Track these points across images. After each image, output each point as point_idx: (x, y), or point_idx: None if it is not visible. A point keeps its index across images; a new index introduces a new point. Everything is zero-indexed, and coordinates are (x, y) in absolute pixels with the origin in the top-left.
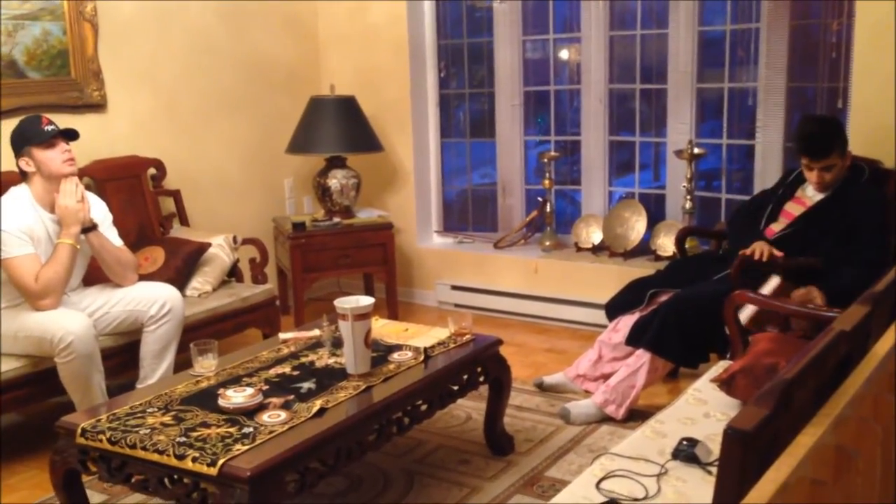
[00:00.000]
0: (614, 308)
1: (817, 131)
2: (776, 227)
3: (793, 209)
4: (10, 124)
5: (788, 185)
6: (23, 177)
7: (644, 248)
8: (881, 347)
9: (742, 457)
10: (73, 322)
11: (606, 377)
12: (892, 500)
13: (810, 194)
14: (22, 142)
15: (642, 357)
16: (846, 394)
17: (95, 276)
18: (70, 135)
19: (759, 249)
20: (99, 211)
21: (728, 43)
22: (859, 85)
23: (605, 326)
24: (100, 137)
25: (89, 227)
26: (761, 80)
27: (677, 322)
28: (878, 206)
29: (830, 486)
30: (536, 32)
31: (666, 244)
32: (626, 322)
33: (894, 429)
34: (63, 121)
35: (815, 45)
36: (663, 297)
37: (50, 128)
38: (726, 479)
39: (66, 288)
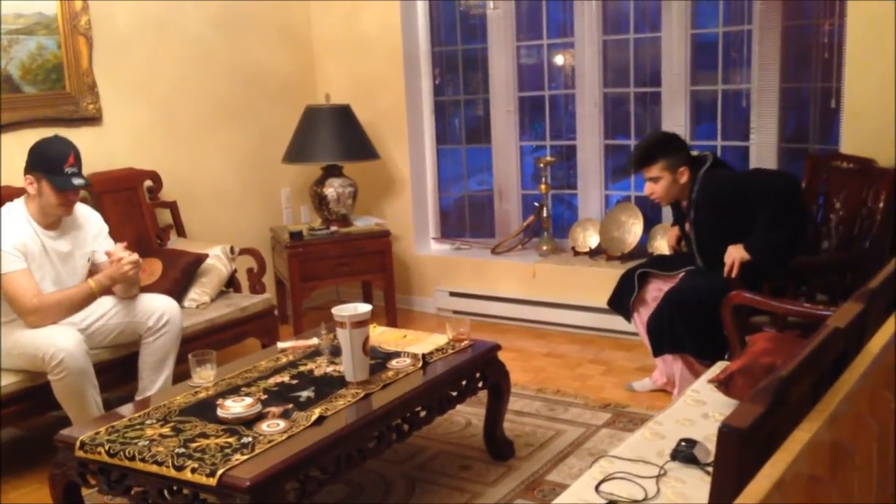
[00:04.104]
0: (615, 302)
1: (643, 144)
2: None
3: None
4: (6, 139)
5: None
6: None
7: (641, 251)
8: (876, 343)
9: (738, 455)
10: (64, 339)
11: None
12: (890, 496)
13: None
14: (38, 167)
15: (676, 360)
16: (841, 390)
17: None
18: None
19: (727, 266)
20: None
21: (721, 45)
22: (852, 84)
23: (604, 330)
24: (96, 150)
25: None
26: (754, 81)
27: (681, 317)
28: (737, 183)
29: (827, 482)
30: (530, 38)
31: (663, 247)
32: (642, 321)
33: (892, 425)
34: (59, 134)
35: (807, 45)
36: (655, 282)
37: (70, 170)
38: (723, 477)
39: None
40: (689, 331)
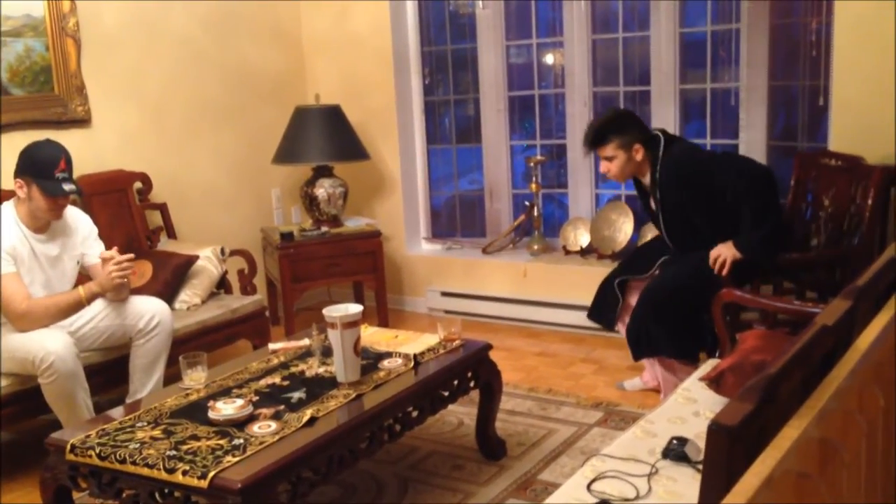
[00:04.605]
0: (594, 313)
1: (595, 124)
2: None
3: (653, 204)
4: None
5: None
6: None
7: (632, 250)
8: (865, 340)
9: (727, 452)
10: (54, 342)
11: None
12: (878, 493)
13: (647, 182)
14: (28, 171)
15: (655, 363)
16: (830, 387)
17: None
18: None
19: (718, 264)
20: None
21: (709, 44)
22: (840, 82)
23: (595, 328)
24: (85, 152)
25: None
26: (743, 79)
27: (655, 318)
28: (708, 164)
29: (816, 479)
30: (520, 37)
31: None
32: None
33: (880, 421)
34: (48, 136)
35: (795, 43)
36: (636, 285)
37: (61, 175)
38: (712, 475)
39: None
40: (664, 332)
